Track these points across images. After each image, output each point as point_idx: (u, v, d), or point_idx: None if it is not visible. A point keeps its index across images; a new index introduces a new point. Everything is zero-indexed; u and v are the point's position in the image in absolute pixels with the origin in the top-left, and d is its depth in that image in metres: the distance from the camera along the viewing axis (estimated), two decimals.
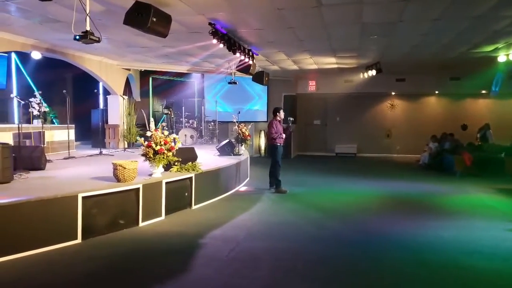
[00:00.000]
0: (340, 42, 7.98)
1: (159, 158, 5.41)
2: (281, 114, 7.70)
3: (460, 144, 11.27)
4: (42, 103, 9.54)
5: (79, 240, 4.38)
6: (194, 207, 6.12)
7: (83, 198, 4.42)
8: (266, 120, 14.82)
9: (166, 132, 5.61)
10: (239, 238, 4.62)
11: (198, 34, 7.14)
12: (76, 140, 10.36)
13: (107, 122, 11.06)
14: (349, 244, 4.49)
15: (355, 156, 14.66)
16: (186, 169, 6.13)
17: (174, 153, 5.69)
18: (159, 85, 13.41)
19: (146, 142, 5.40)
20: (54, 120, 10.68)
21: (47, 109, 9.68)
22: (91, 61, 9.83)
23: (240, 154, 8.98)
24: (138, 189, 5.06)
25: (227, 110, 14.87)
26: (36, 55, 9.42)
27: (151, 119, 6.05)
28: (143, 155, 5.46)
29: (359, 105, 14.76)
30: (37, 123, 9.37)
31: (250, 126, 9.98)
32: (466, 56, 9.49)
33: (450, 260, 3.96)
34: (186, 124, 12.35)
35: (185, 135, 11.89)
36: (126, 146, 10.73)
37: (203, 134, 12.87)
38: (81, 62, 9.51)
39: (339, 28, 6.69)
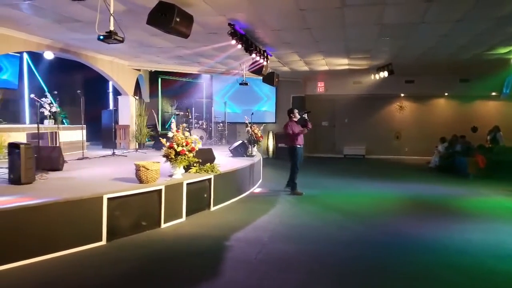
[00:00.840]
0: (356, 43, 7.95)
1: (181, 159, 5.38)
2: (296, 114, 7.65)
3: (472, 146, 11.22)
4: (53, 103, 9.53)
5: (104, 242, 4.34)
6: (212, 208, 6.08)
7: (108, 199, 4.39)
8: (274, 121, 14.81)
9: (187, 133, 5.57)
10: (263, 240, 4.58)
11: (214, 35, 7.12)
12: (86, 140, 10.32)
13: (117, 123, 11.02)
14: (375, 247, 4.44)
15: (364, 158, 14.63)
16: (205, 170, 6.10)
17: (194, 154, 5.66)
18: (168, 86, 13.38)
19: (168, 143, 5.36)
20: (64, 121, 10.66)
21: (57, 110, 9.66)
22: (103, 61, 9.81)
23: (253, 156, 8.95)
24: (160, 190, 5.02)
25: (235, 111, 14.85)
26: (48, 55, 9.39)
27: (172, 120, 5.98)
28: (164, 156, 5.42)
29: (368, 106, 14.72)
30: (48, 123, 9.36)
31: (261, 127, 9.91)
32: (480, 57, 9.46)
33: (482, 264, 3.91)
34: (195, 125, 12.31)
35: (195, 136, 11.83)
36: (136, 146, 10.70)
37: (212, 135, 12.83)
38: (94, 62, 9.49)
39: (358, 29, 6.66)
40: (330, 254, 4.17)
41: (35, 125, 8.95)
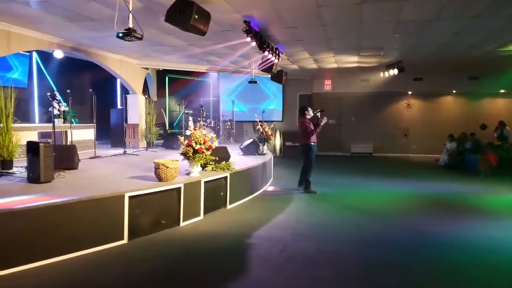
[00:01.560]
0: (369, 41, 7.91)
1: (199, 157, 5.35)
2: (310, 112, 7.61)
3: (482, 144, 11.17)
4: (61, 102, 9.52)
5: (125, 240, 4.31)
6: (228, 206, 6.06)
7: (129, 197, 4.36)
8: (281, 119, 14.78)
9: (204, 131, 5.54)
10: (285, 239, 4.55)
11: (227, 32, 7.10)
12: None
13: (126, 122, 11.00)
14: (400, 246, 4.39)
15: (371, 156, 14.60)
16: (221, 168, 6.07)
17: (211, 152, 5.63)
18: (175, 85, 13.35)
19: (186, 141, 5.33)
20: (72, 120, 10.64)
21: (66, 109, 9.65)
22: (112, 60, 9.78)
23: (264, 154, 8.92)
24: (179, 188, 4.99)
25: (242, 109, 14.82)
26: (58, 54, 9.41)
27: (190, 118, 5.95)
28: (182, 154, 5.39)
29: (375, 104, 14.67)
30: (57, 122, 9.34)
31: (272, 126, 9.88)
32: (490, 55, 9.42)
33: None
34: (204, 124, 12.26)
35: None
36: (145, 145, 10.67)
37: (220, 133, 12.80)
38: (103, 61, 9.46)
39: (373, 26, 6.62)
40: (352, 253, 4.13)
41: (47, 124, 8.99)
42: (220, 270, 3.65)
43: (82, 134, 9.33)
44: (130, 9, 4.71)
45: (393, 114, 14.85)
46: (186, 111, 10.79)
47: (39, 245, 3.62)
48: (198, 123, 5.78)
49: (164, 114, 11.31)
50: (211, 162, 5.87)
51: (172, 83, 13.31)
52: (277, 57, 8.19)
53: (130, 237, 4.37)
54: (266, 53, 7.48)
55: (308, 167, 7.43)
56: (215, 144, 5.78)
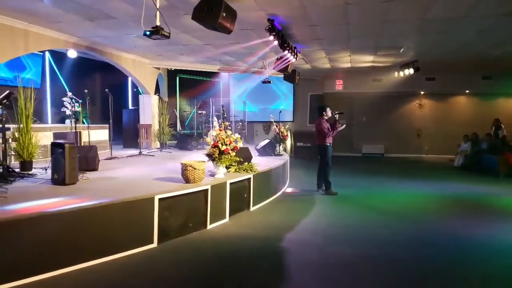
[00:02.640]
0: (389, 40, 7.78)
1: (225, 158, 5.23)
2: (328, 112, 7.48)
3: (498, 144, 11.02)
4: (73, 102, 9.42)
5: (155, 244, 4.20)
6: (252, 208, 5.94)
7: (159, 199, 4.24)
8: (292, 120, 14.65)
9: (229, 132, 5.43)
10: (318, 242, 4.43)
11: (247, 31, 6.98)
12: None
13: (138, 122, 10.89)
14: (435, 249, 4.26)
15: (383, 157, 14.46)
16: (244, 170, 5.95)
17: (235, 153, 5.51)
18: (186, 85, 13.24)
19: (212, 142, 5.22)
20: (84, 120, 10.55)
21: (78, 109, 9.55)
22: (126, 59, 9.68)
23: (281, 155, 8.81)
24: (207, 190, 4.87)
25: (252, 109, 14.70)
26: (72, 54, 9.31)
27: (215, 118, 5.84)
28: (208, 155, 5.28)
29: (386, 104, 14.53)
30: (69, 122, 9.26)
31: (287, 126, 9.75)
32: (508, 54, 9.26)
33: None
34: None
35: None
36: (158, 146, 10.57)
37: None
38: (117, 61, 9.36)
39: (397, 25, 6.48)
40: (392, 256, 4.00)
41: (61, 125, 8.90)
42: (259, 274, 3.53)
43: (98, 134, 9.22)
44: (158, 6, 4.59)
45: (405, 114, 14.71)
46: (199, 112, 10.68)
47: (73, 249, 3.51)
48: (222, 123, 5.64)
49: (177, 114, 11.19)
50: (234, 163, 5.75)
51: (183, 83, 13.20)
52: (295, 57, 8.06)
53: (160, 240, 4.26)
54: (286, 52, 7.35)
55: (325, 168, 7.30)
56: (240, 144, 5.66)
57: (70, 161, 4.64)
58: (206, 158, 5.38)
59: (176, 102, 13.08)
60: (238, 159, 5.63)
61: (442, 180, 9.11)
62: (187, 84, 13.29)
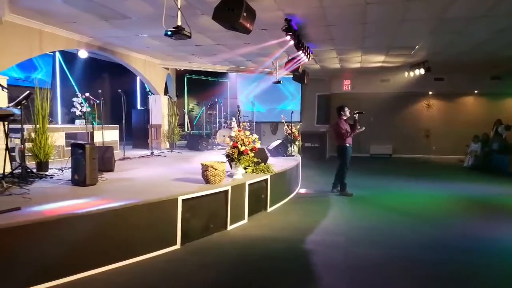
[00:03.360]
0: (403, 40, 7.73)
1: (244, 159, 5.20)
2: (346, 112, 7.44)
3: (509, 144, 10.96)
4: (83, 103, 9.39)
5: (178, 245, 4.17)
6: (269, 209, 5.90)
7: (182, 200, 4.21)
8: (300, 120, 14.60)
9: (247, 132, 5.39)
10: (342, 244, 4.38)
11: (262, 31, 6.93)
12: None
13: (147, 122, 10.87)
14: (462, 252, 4.20)
15: (390, 157, 14.40)
16: (261, 170, 5.92)
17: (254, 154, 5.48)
18: (193, 85, 13.21)
19: (232, 143, 5.18)
20: (93, 121, 10.52)
21: (88, 109, 9.53)
22: (136, 60, 9.65)
23: (293, 155, 8.76)
24: (227, 191, 4.84)
25: (259, 110, 14.66)
26: (83, 54, 9.28)
27: (233, 118, 5.81)
28: (227, 155, 5.24)
29: (394, 104, 14.45)
30: (79, 123, 9.24)
31: (298, 126, 9.71)
32: None
33: None
34: (223, 125, 12.13)
35: (224, 136, 11.65)
36: (167, 146, 10.54)
37: None
38: (128, 61, 9.33)
39: (414, 24, 6.43)
40: (419, 258, 3.95)
41: (74, 125, 8.87)
42: (287, 277, 3.49)
43: (106, 135, 9.18)
44: (179, 6, 4.55)
45: (412, 115, 14.64)
46: (209, 112, 10.64)
47: (100, 251, 3.48)
48: (241, 123, 5.61)
49: (186, 115, 11.16)
50: (250, 164, 5.72)
51: (191, 83, 13.18)
52: (308, 57, 8.03)
53: (182, 242, 4.23)
54: (300, 52, 7.32)
55: (342, 169, 7.26)
56: (257, 145, 5.63)
57: (91, 162, 4.62)
58: (224, 159, 5.35)
59: (184, 103, 13.05)
60: (257, 160, 5.60)
61: (454, 181, 9.05)
62: (194, 84, 13.27)
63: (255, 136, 5.47)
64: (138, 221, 3.80)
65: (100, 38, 7.81)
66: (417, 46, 8.44)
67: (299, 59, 8.12)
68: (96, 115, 10.54)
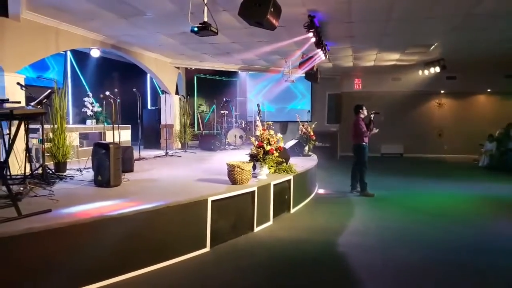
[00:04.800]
0: (422, 37, 7.60)
1: (269, 159, 5.07)
2: (364, 111, 7.31)
3: None
4: (94, 103, 9.28)
5: (208, 248, 4.04)
6: (292, 210, 5.77)
7: (212, 202, 4.08)
8: (310, 119, 14.45)
9: (272, 131, 5.25)
10: (375, 245, 4.25)
11: (280, 28, 6.78)
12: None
13: (159, 122, 10.75)
14: (498, 253, 4.07)
15: (402, 157, 14.25)
16: (283, 170, 5.78)
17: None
18: (203, 85, 13.09)
19: (257, 142, 5.05)
20: (104, 121, 10.40)
21: (99, 109, 9.43)
22: (149, 58, 9.53)
23: (309, 155, 8.63)
24: (253, 192, 4.71)
25: (269, 109, 14.51)
26: (95, 53, 9.15)
27: (258, 118, 5.68)
28: (252, 155, 5.10)
29: (405, 103, 14.30)
30: (90, 123, 9.14)
31: (313, 126, 9.56)
32: None
33: None
34: (235, 124, 11.99)
35: (235, 136, 11.53)
36: (179, 146, 10.42)
37: (253, 134, 12.49)
38: (141, 60, 9.21)
39: (438, 20, 6.29)
40: (456, 260, 3.82)
41: (87, 125, 8.75)
42: (327, 281, 3.36)
43: (121, 135, 9.06)
44: (205, 1, 4.42)
45: (424, 114, 14.49)
46: (222, 111, 10.51)
47: (133, 255, 3.36)
48: (265, 123, 5.48)
49: (198, 114, 11.04)
50: (273, 164, 5.59)
51: (200, 83, 13.06)
52: (326, 55, 7.89)
53: (212, 244, 4.10)
54: (319, 50, 7.19)
55: (361, 169, 7.13)
56: (281, 144, 5.49)
57: (115, 162, 4.50)
58: (246, 158, 5.22)
59: (194, 102, 12.93)
60: (281, 160, 5.47)
61: (472, 180, 8.92)
62: (204, 83, 13.14)
63: (280, 135, 5.33)
64: (169, 223, 3.67)
65: (115, 36, 7.69)
66: (435, 44, 8.29)
67: (315, 58, 7.98)
68: (114, 115, 10.46)
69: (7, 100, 4.24)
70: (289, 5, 5.46)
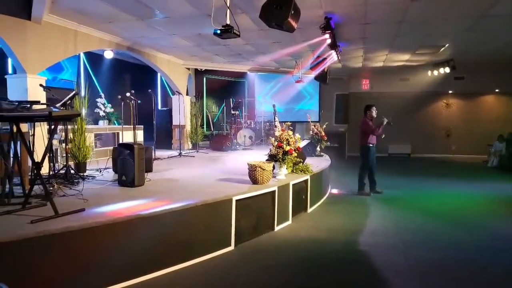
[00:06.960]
0: (434, 39, 7.66)
1: (288, 159, 5.14)
2: (373, 112, 7.35)
3: None
4: (106, 103, 9.37)
5: (232, 247, 4.11)
6: (309, 210, 5.83)
7: (236, 201, 4.16)
8: (318, 120, 14.51)
9: (290, 132, 5.32)
10: (397, 245, 4.29)
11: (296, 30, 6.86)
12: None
13: (170, 123, 10.84)
14: None
15: (409, 157, 14.29)
16: (300, 170, 5.84)
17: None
18: (212, 85, 13.17)
19: (276, 143, 5.11)
20: (115, 121, 10.49)
21: (111, 110, 9.51)
22: (162, 60, 9.62)
23: (321, 155, 8.69)
24: (274, 191, 4.78)
25: (278, 110, 14.55)
26: (108, 55, 9.25)
27: (276, 118, 5.74)
28: (271, 155, 5.17)
29: (413, 104, 14.36)
30: (102, 123, 9.22)
31: (324, 126, 9.61)
32: None
33: None
34: (244, 125, 12.06)
35: (244, 136, 11.61)
36: (190, 146, 10.50)
37: (262, 134, 12.58)
38: (154, 61, 9.31)
39: (452, 22, 6.35)
40: (483, 261, 3.86)
41: (102, 126, 8.85)
42: (354, 280, 3.42)
43: (130, 135, 9.16)
44: (228, 3, 4.50)
45: (431, 114, 14.54)
46: (233, 112, 10.59)
47: (163, 253, 3.43)
48: (284, 123, 5.54)
49: (208, 115, 11.12)
50: (291, 164, 5.65)
51: (210, 83, 13.14)
52: (338, 56, 7.96)
53: (236, 243, 4.17)
54: (333, 51, 7.25)
55: (362, 168, 7.18)
56: (299, 144, 5.56)
57: (139, 163, 4.58)
58: (263, 158, 5.29)
59: (203, 103, 13.02)
60: (300, 160, 5.54)
61: (482, 181, 8.94)
62: (213, 84, 13.23)
63: (298, 135, 5.39)
64: (197, 222, 3.75)
65: (131, 38, 7.79)
66: (447, 45, 8.34)
67: (327, 60, 8.05)
68: (132, 116, 10.53)
69: (38, 102, 4.32)
70: (306, 7, 5.53)
